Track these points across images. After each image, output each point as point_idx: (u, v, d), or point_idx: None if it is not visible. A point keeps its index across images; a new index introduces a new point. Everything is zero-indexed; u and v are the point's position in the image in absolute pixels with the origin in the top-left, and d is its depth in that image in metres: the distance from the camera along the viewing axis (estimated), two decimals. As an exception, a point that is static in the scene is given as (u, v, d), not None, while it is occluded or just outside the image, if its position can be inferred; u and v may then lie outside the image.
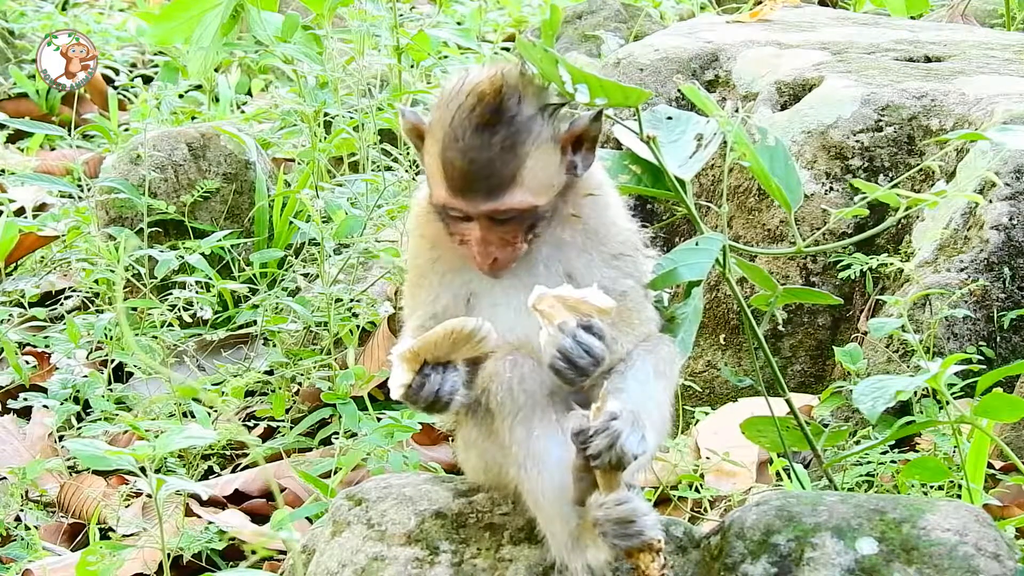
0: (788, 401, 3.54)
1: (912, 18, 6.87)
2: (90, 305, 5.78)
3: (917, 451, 4.07)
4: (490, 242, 3.01)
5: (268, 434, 4.88)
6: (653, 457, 3.20)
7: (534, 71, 3.02)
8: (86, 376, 5.10)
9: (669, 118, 3.47)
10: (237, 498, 4.49)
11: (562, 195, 3.09)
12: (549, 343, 2.87)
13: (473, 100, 2.96)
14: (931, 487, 3.81)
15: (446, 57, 7.47)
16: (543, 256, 3.09)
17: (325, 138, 5.97)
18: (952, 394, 3.61)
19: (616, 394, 2.89)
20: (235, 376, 4.99)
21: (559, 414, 2.97)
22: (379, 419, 4.49)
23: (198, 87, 8.08)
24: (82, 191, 6.18)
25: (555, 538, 2.95)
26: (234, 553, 4.19)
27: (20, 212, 6.69)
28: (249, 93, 8.47)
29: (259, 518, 4.36)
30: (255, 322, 5.32)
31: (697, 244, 3.29)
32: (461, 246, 3.05)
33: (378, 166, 5.92)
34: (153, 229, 5.71)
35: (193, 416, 4.81)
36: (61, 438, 4.83)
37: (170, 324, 5.21)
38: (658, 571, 2.82)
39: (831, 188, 4.61)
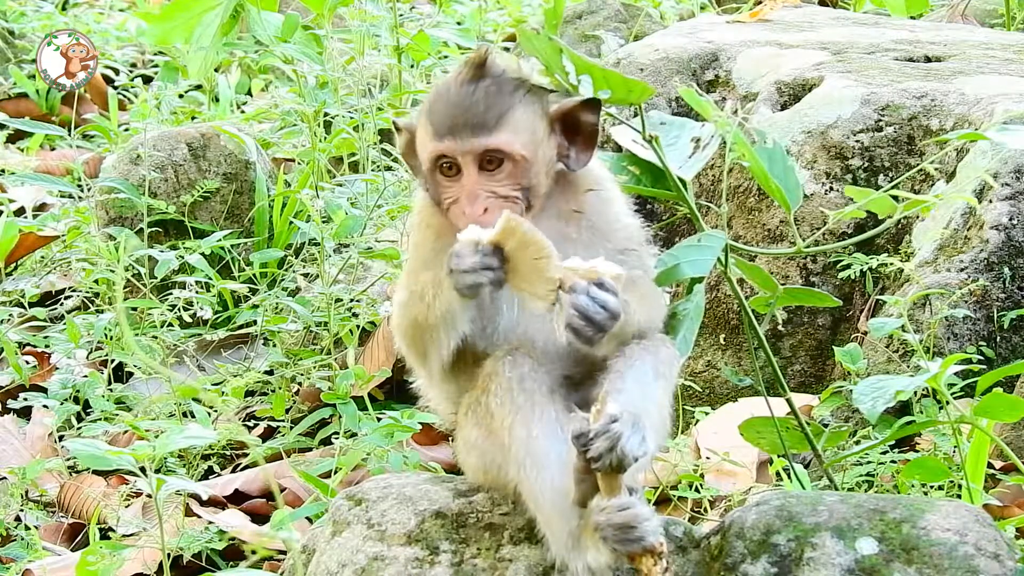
0: (789, 401, 3.54)
1: (912, 18, 6.87)
2: (90, 305, 5.78)
3: (917, 451, 4.07)
4: (478, 195, 3.01)
5: (268, 434, 4.88)
6: (653, 458, 3.20)
7: (520, 61, 3.06)
8: (86, 376, 5.10)
9: (662, 124, 3.47)
10: (237, 498, 4.49)
11: (562, 191, 3.10)
12: (566, 303, 2.86)
13: (460, 66, 3.05)
14: (931, 487, 3.81)
15: (446, 57, 7.47)
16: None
17: (325, 138, 5.97)
18: (952, 394, 3.61)
19: (616, 395, 2.90)
20: (235, 376, 4.98)
21: (559, 413, 2.97)
22: (379, 419, 4.49)
23: (198, 87, 8.08)
24: (82, 191, 6.18)
25: (555, 538, 2.95)
26: (234, 553, 4.19)
27: (20, 212, 6.70)
28: (249, 93, 8.47)
29: (259, 518, 4.36)
30: (255, 322, 5.32)
31: (700, 241, 3.29)
32: (452, 209, 3.04)
33: (378, 166, 5.92)
34: (153, 229, 5.71)
35: (193, 416, 4.81)
36: (61, 438, 4.83)
37: (170, 324, 5.21)
38: (660, 574, 2.83)
39: (831, 188, 4.61)
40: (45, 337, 5.55)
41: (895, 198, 3.32)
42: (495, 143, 3.00)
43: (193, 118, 7.36)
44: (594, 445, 2.78)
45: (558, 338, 2.88)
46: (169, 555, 3.83)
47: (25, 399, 5.04)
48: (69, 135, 7.30)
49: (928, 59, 5.09)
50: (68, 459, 4.71)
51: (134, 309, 5.44)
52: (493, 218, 2.96)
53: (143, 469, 3.53)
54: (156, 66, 8.78)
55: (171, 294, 5.28)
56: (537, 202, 3.07)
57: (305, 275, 5.56)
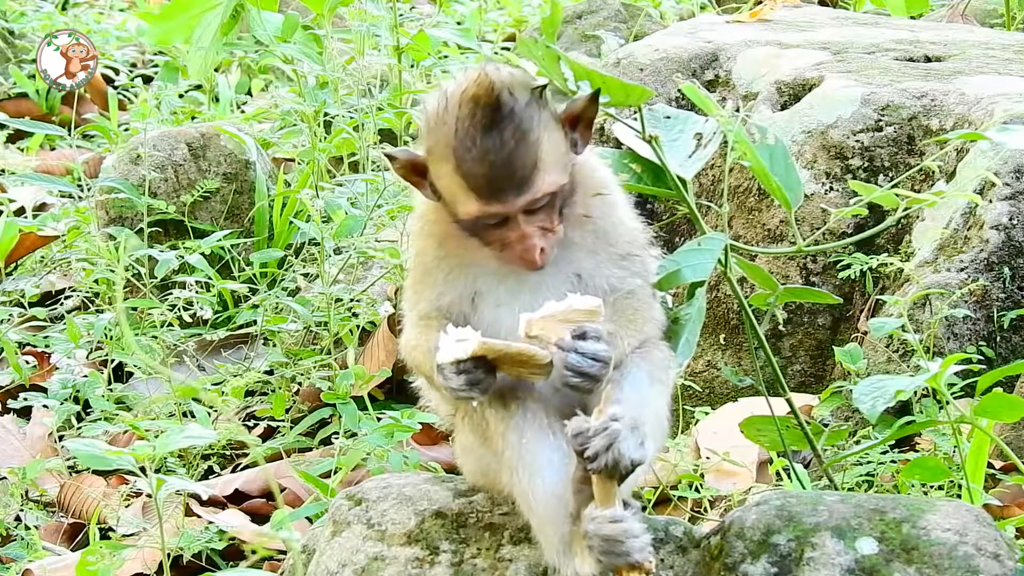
0: (789, 400, 3.54)
1: (912, 18, 6.87)
2: (90, 305, 5.78)
3: (917, 451, 4.07)
4: (532, 235, 3.00)
5: (268, 434, 4.88)
6: (653, 459, 3.20)
7: (511, 69, 3.04)
8: (86, 376, 5.10)
9: (667, 117, 3.47)
10: (237, 498, 4.49)
11: (571, 195, 3.10)
12: (557, 363, 2.88)
13: (469, 106, 2.96)
14: (931, 487, 3.81)
15: (446, 57, 7.47)
16: (552, 257, 3.09)
17: (325, 138, 5.97)
18: (952, 394, 3.61)
19: (614, 404, 2.89)
20: (235, 376, 4.99)
21: (551, 419, 2.97)
22: (379, 419, 4.49)
23: (198, 87, 8.09)
24: (82, 191, 6.18)
25: (547, 542, 2.94)
26: (234, 553, 4.19)
27: (20, 212, 6.70)
28: (249, 93, 8.48)
29: (259, 518, 4.36)
30: (255, 322, 5.32)
31: (699, 244, 3.29)
32: (504, 252, 3.04)
33: (378, 166, 5.92)
34: (153, 229, 5.71)
35: (193, 416, 4.81)
36: (61, 438, 4.83)
37: (170, 324, 5.21)
38: None
39: (831, 188, 4.61)
40: (45, 337, 5.55)
41: (897, 196, 3.32)
42: (541, 191, 2.98)
43: (193, 118, 7.36)
44: (592, 442, 2.78)
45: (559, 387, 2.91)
46: (169, 555, 3.83)
47: (25, 399, 5.04)
48: (69, 135, 7.29)
49: (928, 59, 5.09)
50: (68, 459, 4.71)
51: (134, 309, 5.44)
52: (549, 257, 3.01)
53: (143, 469, 3.53)
54: (156, 66, 8.79)
55: (171, 294, 5.28)
56: (567, 205, 3.08)
57: (305, 275, 5.56)
